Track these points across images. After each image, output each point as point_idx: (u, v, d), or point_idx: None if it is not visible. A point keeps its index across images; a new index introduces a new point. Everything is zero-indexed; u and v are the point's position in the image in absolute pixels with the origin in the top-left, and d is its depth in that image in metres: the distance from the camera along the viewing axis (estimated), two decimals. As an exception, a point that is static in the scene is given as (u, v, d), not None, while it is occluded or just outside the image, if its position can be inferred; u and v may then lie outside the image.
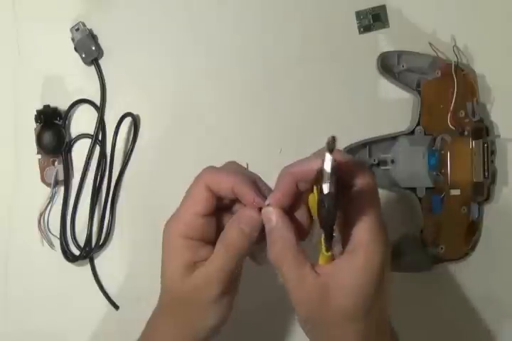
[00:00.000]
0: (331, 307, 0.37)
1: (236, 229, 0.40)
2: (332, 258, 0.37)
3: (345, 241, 0.38)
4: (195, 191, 0.41)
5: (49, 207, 0.55)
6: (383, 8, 0.56)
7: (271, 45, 0.56)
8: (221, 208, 0.42)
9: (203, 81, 0.55)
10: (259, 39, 0.56)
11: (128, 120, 0.55)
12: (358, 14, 0.55)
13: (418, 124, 0.53)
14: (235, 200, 0.42)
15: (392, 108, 0.56)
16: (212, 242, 0.41)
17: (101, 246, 0.55)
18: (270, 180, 0.54)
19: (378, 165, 0.55)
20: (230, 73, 0.55)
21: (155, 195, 0.55)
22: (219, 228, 0.42)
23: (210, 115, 0.55)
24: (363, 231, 0.37)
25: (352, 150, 0.54)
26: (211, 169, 0.42)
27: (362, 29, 0.55)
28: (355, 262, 0.37)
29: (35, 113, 0.54)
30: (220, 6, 0.55)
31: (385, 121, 0.55)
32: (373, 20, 0.56)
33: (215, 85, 0.55)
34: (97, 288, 0.55)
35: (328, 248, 0.37)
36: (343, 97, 0.56)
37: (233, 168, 0.42)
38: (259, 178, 0.42)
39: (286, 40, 0.56)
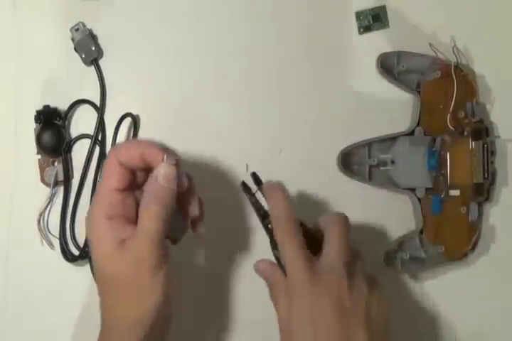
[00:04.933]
0: None
1: (156, 186, 0.41)
2: None
3: None
4: (108, 166, 0.43)
5: (49, 208, 0.55)
6: (383, 8, 0.55)
7: (271, 45, 0.55)
8: (137, 186, 0.44)
9: (203, 81, 0.55)
10: (258, 39, 0.55)
11: (128, 120, 0.55)
12: (358, 14, 0.55)
13: (418, 125, 0.53)
14: (148, 173, 0.43)
15: (392, 108, 0.55)
16: (134, 221, 0.42)
17: (101, 246, 0.55)
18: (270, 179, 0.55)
19: (378, 165, 0.54)
20: (229, 73, 0.55)
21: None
22: (138, 206, 0.43)
23: (211, 116, 0.55)
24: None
25: (352, 150, 0.54)
26: (120, 143, 0.44)
27: (362, 29, 0.55)
28: None
29: (35, 113, 0.54)
30: (220, 6, 0.55)
31: (384, 122, 0.55)
32: (373, 20, 0.55)
33: (215, 85, 0.55)
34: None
35: None
36: (342, 98, 0.56)
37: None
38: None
39: (285, 40, 0.56)
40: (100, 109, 0.55)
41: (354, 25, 0.56)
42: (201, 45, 0.55)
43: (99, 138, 0.55)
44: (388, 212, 0.56)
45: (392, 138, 0.54)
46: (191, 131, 0.55)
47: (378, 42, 0.55)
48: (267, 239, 0.47)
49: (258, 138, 0.56)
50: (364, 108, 0.56)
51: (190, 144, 0.55)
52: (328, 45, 0.56)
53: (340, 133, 0.55)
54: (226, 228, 0.55)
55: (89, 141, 0.55)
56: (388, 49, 0.55)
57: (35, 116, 0.54)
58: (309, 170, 0.56)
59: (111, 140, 0.54)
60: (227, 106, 0.56)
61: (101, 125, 0.55)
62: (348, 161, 0.55)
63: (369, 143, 0.54)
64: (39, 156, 0.55)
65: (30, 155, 0.54)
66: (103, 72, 0.54)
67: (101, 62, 0.55)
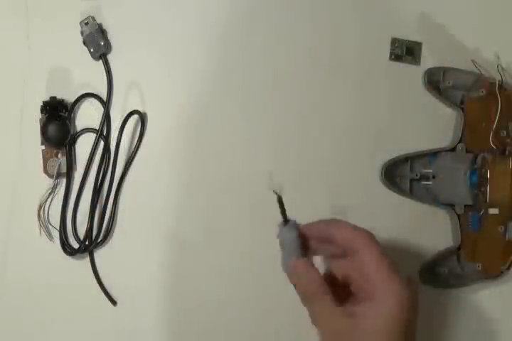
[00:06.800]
0: None
1: None
2: None
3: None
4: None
5: (50, 199, 0.52)
6: (419, 45, 0.56)
7: (301, 54, 0.55)
8: None
9: (212, 81, 0.54)
10: (284, 47, 0.55)
11: (135, 117, 0.53)
12: (394, 41, 0.55)
13: (460, 141, 0.53)
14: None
15: (435, 123, 0.55)
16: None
17: (101, 241, 0.52)
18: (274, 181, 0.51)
19: (420, 179, 0.53)
20: (240, 75, 0.54)
21: (158, 193, 0.53)
22: None
23: (218, 116, 0.54)
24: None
25: (394, 163, 0.53)
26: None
27: (393, 56, 0.55)
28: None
29: (41, 104, 0.52)
30: (233, 3, 0.55)
31: (426, 136, 0.54)
32: (406, 52, 0.56)
33: (225, 86, 0.54)
34: (96, 283, 0.52)
35: None
36: (387, 112, 0.55)
37: None
38: None
39: (319, 52, 0.55)
40: (106, 104, 0.53)
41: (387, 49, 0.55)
42: (211, 43, 0.54)
43: (104, 132, 0.53)
44: (427, 226, 0.54)
45: (434, 153, 0.53)
46: (197, 131, 0.54)
47: (404, 74, 0.55)
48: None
49: (267, 141, 0.54)
50: (407, 122, 0.55)
51: (195, 144, 0.54)
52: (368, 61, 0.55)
53: (384, 146, 0.54)
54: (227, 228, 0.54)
55: (94, 135, 0.53)
56: (412, 84, 0.55)
57: (41, 106, 0.52)
58: (349, 183, 0.54)
59: (116, 136, 0.52)
60: (235, 107, 0.54)
61: (106, 120, 0.53)
62: (391, 174, 0.53)
63: (411, 157, 0.53)
64: (43, 147, 0.53)
65: (35, 145, 0.52)
66: (111, 68, 0.53)
67: (109, 57, 0.53)
